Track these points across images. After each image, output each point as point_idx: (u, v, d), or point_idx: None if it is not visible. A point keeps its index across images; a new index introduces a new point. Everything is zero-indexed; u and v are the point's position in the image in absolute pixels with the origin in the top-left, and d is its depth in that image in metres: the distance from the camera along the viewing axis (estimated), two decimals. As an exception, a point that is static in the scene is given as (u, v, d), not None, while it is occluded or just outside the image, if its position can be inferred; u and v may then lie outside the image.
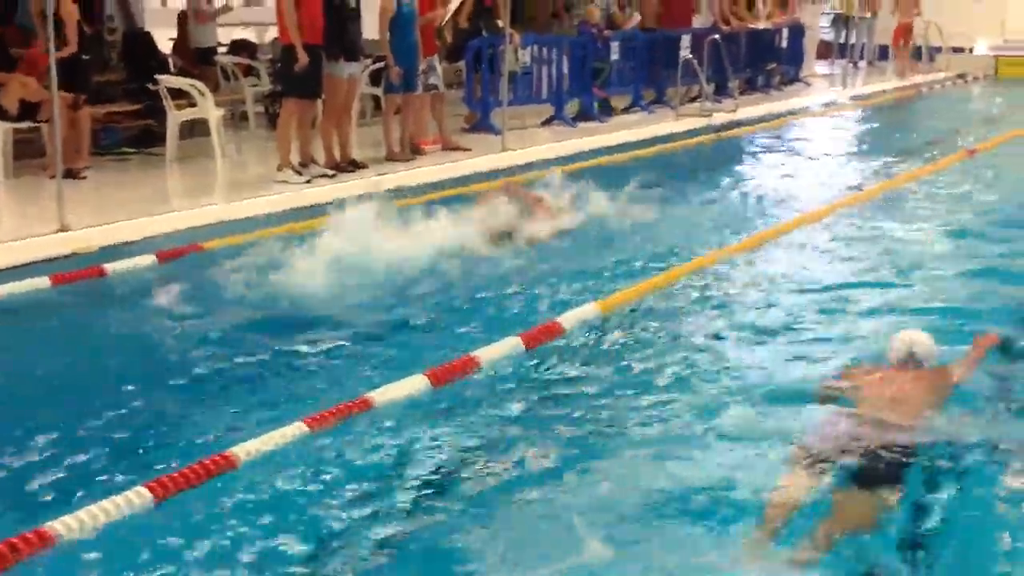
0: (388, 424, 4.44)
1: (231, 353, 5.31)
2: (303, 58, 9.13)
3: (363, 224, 7.09)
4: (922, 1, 21.19)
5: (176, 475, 3.79)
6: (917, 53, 22.36)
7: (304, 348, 5.40)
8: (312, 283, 6.38)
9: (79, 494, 3.74)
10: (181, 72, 11.86)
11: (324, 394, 4.76)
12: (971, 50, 23.43)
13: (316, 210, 8.24)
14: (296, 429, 4.19)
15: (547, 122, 13.53)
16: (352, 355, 5.35)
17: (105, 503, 3.55)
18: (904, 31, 21.34)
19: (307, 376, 5.08)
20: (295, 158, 9.62)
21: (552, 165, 10.59)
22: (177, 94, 10.42)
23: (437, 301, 6.21)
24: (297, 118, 9.56)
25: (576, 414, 4.61)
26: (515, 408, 4.70)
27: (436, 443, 4.32)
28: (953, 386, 4.57)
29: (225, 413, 4.59)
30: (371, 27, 10.74)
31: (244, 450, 4.00)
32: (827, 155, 11.87)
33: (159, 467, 3.96)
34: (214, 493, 3.79)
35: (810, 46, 20.80)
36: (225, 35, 14.65)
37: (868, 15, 21.93)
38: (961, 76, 21.31)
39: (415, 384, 4.75)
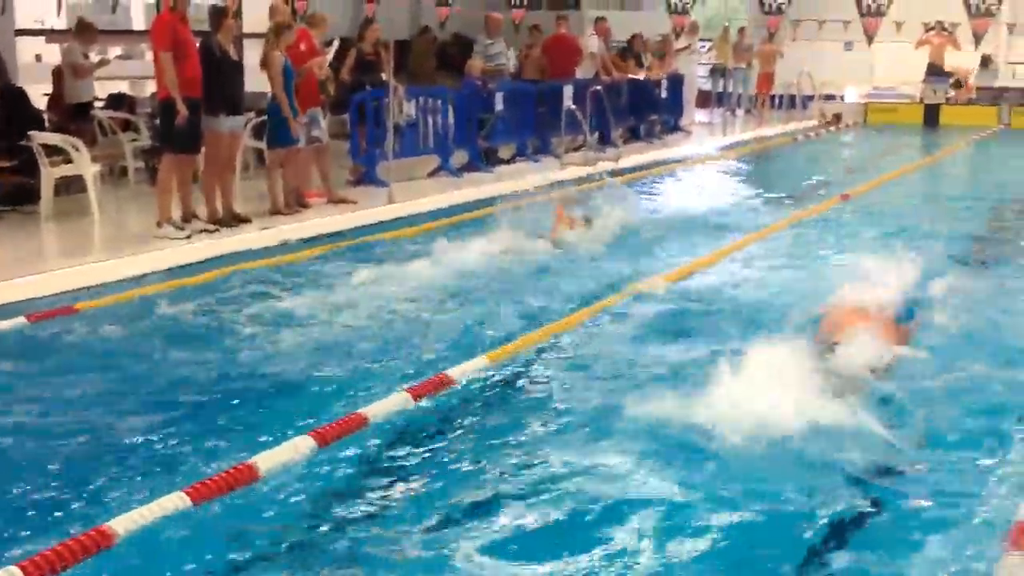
0: (273, 489, 4.34)
1: (108, 420, 5.14)
2: (183, 112, 9.00)
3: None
4: (776, 53, 21.99)
5: (48, 553, 3.61)
6: (791, 101, 23.17)
7: (180, 412, 5.26)
8: (190, 343, 6.24)
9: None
10: (57, 128, 11.55)
11: (204, 461, 4.63)
12: (842, 97, 24.37)
13: (197, 268, 8.12)
14: (177, 500, 4.06)
15: (433, 173, 13.55)
16: (231, 419, 5.23)
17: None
18: (766, 81, 22.18)
19: (184, 442, 4.94)
20: (176, 213, 9.44)
21: (439, 217, 10.67)
22: (52, 150, 10.13)
23: (317, 360, 6.12)
24: (177, 173, 9.40)
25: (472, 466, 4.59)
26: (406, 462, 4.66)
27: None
28: None
29: (95, 485, 4.42)
30: (253, 81, 10.67)
31: (122, 524, 3.85)
32: (706, 202, 12.10)
33: (29, 547, 3.78)
34: (91, 572, 3.63)
35: (690, 96, 21.41)
36: (103, 89, 14.33)
37: (743, 66, 22.66)
38: (831, 121, 22.10)
39: (301, 445, 4.66)
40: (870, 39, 13.19)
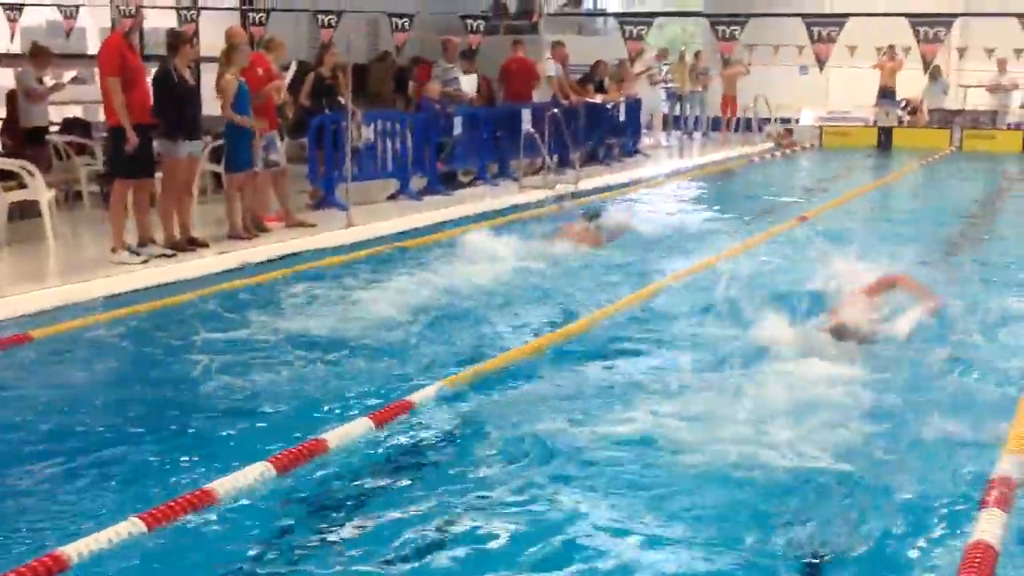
0: (233, 515, 4.31)
1: (65, 446, 5.09)
2: (133, 139, 8.96)
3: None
4: (739, 74, 22.33)
5: (2, 580, 3.58)
6: (748, 124, 23.46)
7: (136, 438, 5.22)
8: (146, 368, 6.20)
9: None
10: (11, 153, 11.46)
11: (161, 488, 4.60)
12: (797, 121, 24.69)
13: (153, 293, 8.07)
14: (130, 526, 4.03)
15: (393, 197, 13.56)
16: (188, 444, 5.19)
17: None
18: (729, 103, 22.53)
19: (140, 467, 4.90)
20: (132, 238, 9.37)
21: (399, 239, 10.68)
22: (6, 175, 10.04)
23: (275, 386, 6.10)
24: (133, 197, 9.35)
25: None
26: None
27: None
28: None
29: (51, 512, 4.37)
30: (210, 105, 10.64)
31: (75, 550, 3.82)
32: (664, 226, 12.17)
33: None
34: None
35: (655, 120, 21.65)
36: (58, 114, 14.24)
37: (699, 89, 22.96)
38: (782, 136, 22.43)
39: (258, 471, 4.64)
40: (821, 65, 13.38)
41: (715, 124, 24.30)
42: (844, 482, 4.69)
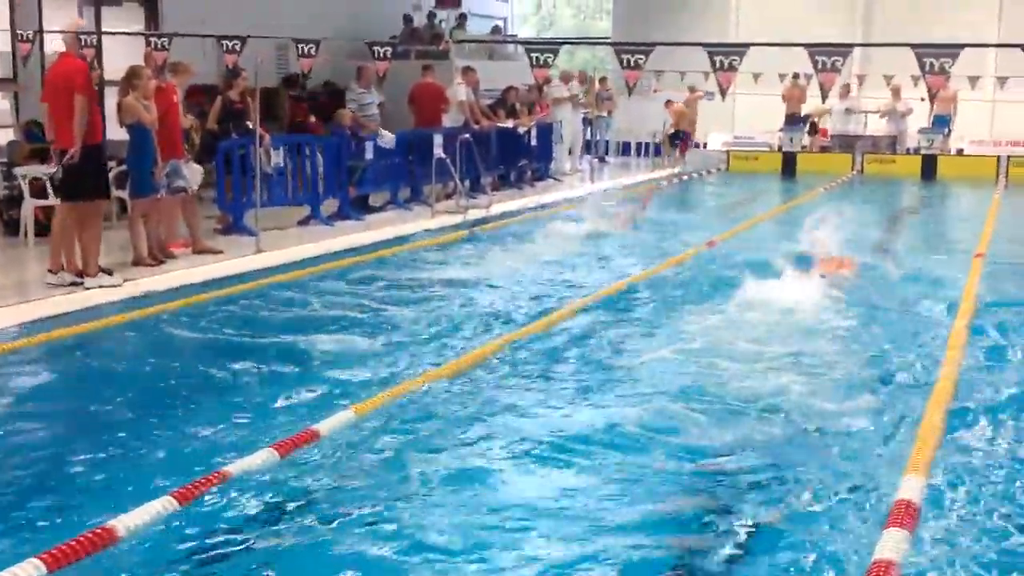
0: (133, 551, 4.23)
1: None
2: (83, 160, 9.01)
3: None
4: (696, 100, 23.27)
5: None
6: (656, 149, 23.87)
7: (34, 474, 5.09)
8: (42, 400, 6.06)
9: None
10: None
11: (61, 524, 4.48)
12: (705, 145, 25.17)
13: (56, 322, 7.90)
14: (31, 568, 3.92)
15: (304, 222, 13.47)
16: (87, 480, 5.08)
17: None
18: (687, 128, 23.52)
19: (39, 505, 4.77)
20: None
21: (309, 265, 10.59)
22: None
23: (177, 417, 6.00)
24: (83, 220, 9.35)
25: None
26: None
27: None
28: None
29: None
30: (113, 130, 10.47)
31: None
32: (573, 250, 12.27)
33: None
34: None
35: (576, 145, 21.92)
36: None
37: (604, 114, 23.39)
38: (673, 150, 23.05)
39: (161, 506, 4.55)
40: (724, 93, 13.68)
41: (625, 149, 24.98)
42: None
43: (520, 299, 9.27)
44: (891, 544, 4.11)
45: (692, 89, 23.06)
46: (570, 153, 21.69)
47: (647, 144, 24.31)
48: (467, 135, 15.84)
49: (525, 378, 6.78)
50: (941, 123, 22.38)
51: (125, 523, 4.34)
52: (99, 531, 4.26)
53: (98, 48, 16.14)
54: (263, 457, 5.15)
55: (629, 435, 5.67)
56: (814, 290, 8.94)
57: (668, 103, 23.22)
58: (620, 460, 5.35)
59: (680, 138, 23.44)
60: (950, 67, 12.83)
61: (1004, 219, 15.18)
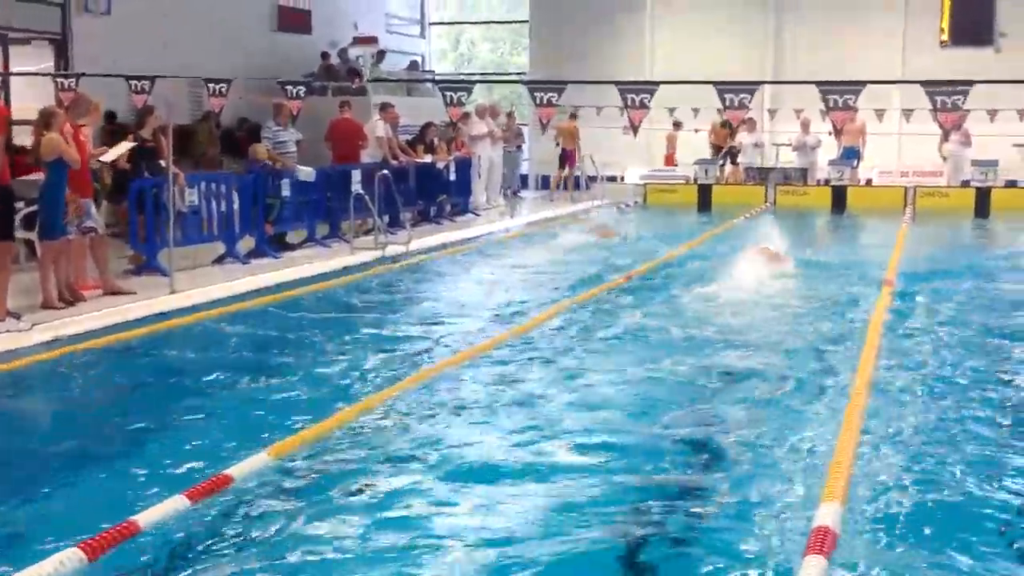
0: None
1: None
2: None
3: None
4: (575, 128, 23.40)
5: None
6: (576, 182, 24.12)
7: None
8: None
9: None
10: None
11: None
12: (622, 178, 25.47)
13: None
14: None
15: (219, 260, 13.31)
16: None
17: None
18: (569, 157, 23.79)
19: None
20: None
21: (221, 305, 10.47)
22: None
23: (86, 466, 5.88)
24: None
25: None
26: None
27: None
28: None
29: None
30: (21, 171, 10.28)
31: None
32: (493, 284, 12.32)
33: None
34: None
35: (496, 179, 22.04)
36: None
37: (514, 149, 23.67)
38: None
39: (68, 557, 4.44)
40: (635, 129, 13.90)
41: (544, 183, 25.30)
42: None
43: (437, 334, 9.27)
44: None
45: (574, 116, 23.37)
46: (487, 188, 21.80)
47: (566, 178, 24.53)
48: (385, 171, 15.83)
49: (433, 417, 6.78)
50: (850, 155, 22.98)
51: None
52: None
53: (5, 87, 15.85)
54: (174, 504, 5.07)
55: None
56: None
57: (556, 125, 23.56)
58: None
59: (566, 157, 23.91)
60: (854, 103, 13.16)
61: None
